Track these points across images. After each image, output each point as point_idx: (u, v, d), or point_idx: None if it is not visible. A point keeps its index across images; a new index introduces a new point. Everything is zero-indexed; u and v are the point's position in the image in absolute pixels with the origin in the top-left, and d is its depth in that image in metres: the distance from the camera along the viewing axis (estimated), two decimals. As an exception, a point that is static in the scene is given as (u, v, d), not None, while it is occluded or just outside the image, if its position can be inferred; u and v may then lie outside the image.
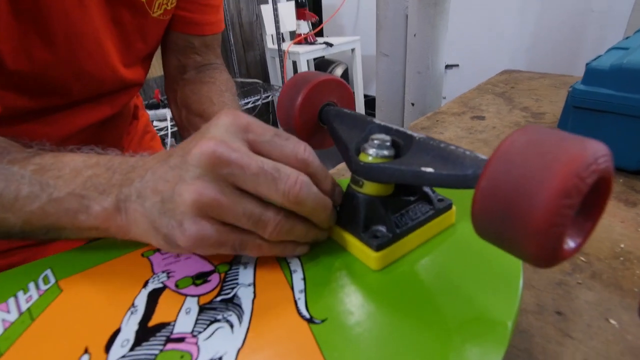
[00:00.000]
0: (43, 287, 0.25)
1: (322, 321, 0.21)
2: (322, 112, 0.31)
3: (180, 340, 0.20)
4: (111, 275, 0.26)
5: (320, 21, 2.60)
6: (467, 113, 0.67)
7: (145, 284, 0.25)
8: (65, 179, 0.25)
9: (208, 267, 0.26)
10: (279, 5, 2.18)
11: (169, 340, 0.20)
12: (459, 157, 0.20)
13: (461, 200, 0.31)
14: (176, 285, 0.24)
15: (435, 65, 1.00)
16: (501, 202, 0.16)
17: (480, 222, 0.17)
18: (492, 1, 2.00)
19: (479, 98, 0.74)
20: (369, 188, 0.25)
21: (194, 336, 0.21)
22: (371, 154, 0.24)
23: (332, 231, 0.27)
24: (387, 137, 0.24)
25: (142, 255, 0.28)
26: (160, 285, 0.24)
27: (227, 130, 0.22)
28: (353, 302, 0.22)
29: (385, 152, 0.24)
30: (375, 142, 0.24)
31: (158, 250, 0.28)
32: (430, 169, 0.21)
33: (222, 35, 2.08)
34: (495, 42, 2.04)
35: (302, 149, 0.23)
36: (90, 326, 0.22)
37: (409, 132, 0.24)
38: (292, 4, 2.32)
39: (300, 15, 2.31)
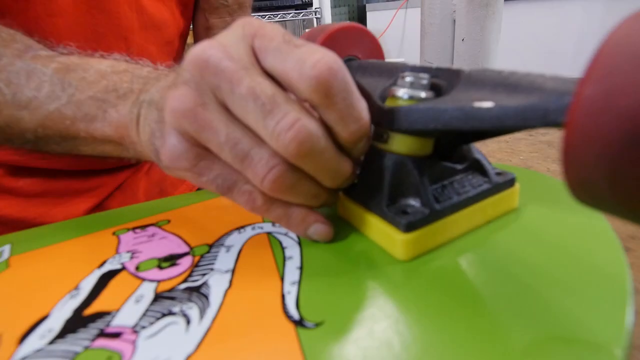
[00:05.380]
0: (-8, 263, 0.21)
1: (316, 325, 0.14)
2: (343, 70, 0.25)
3: (116, 335, 0.14)
4: (68, 253, 0.21)
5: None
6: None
7: (102, 265, 0.19)
8: (89, 81, 0.22)
9: (183, 248, 0.20)
10: (324, 28, 2.21)
11: (101, 334, 0.15)
12: (533, 82, 0.13)
13: (525, 181, 0.23)
14: (136, 268, 0.19)
15: (486, 73, 0.91)
16: (628, 117, 0.09)
17: (582, 164, 0.10)
18: (549, 16, 1.86)
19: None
20: (398, 144, 0.18)
21: (135, 332, 0.15)
22: (401, 96, 0.17)
23: (342, 208, 0.21)
24: (425, 75, 0.18)
25: (113, 233, 0.22)
26: (118, 266, 0.19)
27: (234, 35, 0.17)
28: (366, 304, 0.15)
29: (422, 94, 0.17)
30: (407, 80, 0.17)
31: (132, 229, 0.23)
32: (488, 104, 0.14)
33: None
34: (545, 59, 1.88)
35: (312, 60, 0.15)
36: (17, 310, 0.17)
37: (456, 67, 0.17)
38: (337, 26, 2.33)
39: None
